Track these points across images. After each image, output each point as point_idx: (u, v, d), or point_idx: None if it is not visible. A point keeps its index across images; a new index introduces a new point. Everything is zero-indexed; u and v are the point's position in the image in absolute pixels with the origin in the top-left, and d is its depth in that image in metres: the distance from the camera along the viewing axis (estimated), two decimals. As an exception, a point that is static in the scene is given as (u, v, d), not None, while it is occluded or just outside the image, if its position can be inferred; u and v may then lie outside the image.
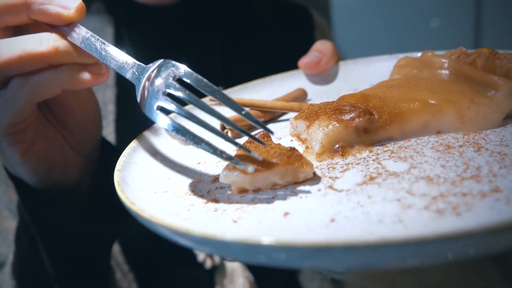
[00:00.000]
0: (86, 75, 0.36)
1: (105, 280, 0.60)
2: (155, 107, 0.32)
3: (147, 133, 0.42)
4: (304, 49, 0.90)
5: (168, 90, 0.32)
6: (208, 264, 0.69)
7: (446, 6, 2.07)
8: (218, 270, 0.70)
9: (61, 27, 0.36)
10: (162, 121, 0.32)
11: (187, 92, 0.32)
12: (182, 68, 0.33)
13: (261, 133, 0.36)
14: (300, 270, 0.80)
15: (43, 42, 0.35)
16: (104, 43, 0.35)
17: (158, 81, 0.33)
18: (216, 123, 0.31)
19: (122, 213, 0.56)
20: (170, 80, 0.33)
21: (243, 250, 0.20)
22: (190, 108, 0.46)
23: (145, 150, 0.39)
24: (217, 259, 0.69)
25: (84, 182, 0.50)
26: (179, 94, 0.32)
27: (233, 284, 0.71)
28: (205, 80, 0.32)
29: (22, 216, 0.50)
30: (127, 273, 0.70)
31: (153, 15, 0.74)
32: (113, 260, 0.68)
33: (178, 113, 0.32)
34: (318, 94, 0.54)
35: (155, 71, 0.34)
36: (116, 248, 0.69)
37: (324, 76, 0.57)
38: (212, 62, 0.79)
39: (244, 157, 0.31)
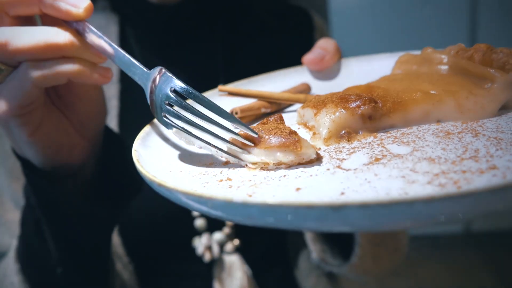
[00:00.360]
0: (93, 73, 0.40)
1: (107, 267, 0.62)
2: (163, 116, 0.36)
3: (156, 121, 0.44)
4: (304, 50, 0.93)
5: (169, 101, 0.36)
6: (207, 257, 0.71)
7: (441, 7, 2.12)
8: (216, 263, 0.72)
9: (73, 23, 0.39)
10: (172, 128, 0.36)
11: (184, 103, 0.35)
12: (176, 82, 0.36)
13: (275, 116, 0.38)
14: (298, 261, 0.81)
15: (60, 35, 0.37)
16: (112, 44, 0.39)
17: (160, 92, 0.36)
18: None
19: (125, 197, 0.57)
20: (169, 92, 0.36)
21: (264, 212, 0.22)
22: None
23: (158, 135, 0.41)
24: (216, 252, 0.71)
25: (88, 166, 0.52)
26: (179, 105, 0.35)
27: (231, 277, 0.72)
28: (196, 92, 0.35)
29: (27, 198, 0.51)
30: (127, 264, 0.71)
31: (158, 13, 0.76)
32: (114, 252, 0.70)
33: (183, 121, 0.35)
34: (322, 90, 0.56)
35: (156, 80, 0.37)
36: (116, 241, 0.71)
37: (327, 73, 0.59)
38: (214, 61, 0.81)
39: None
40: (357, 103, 0.37)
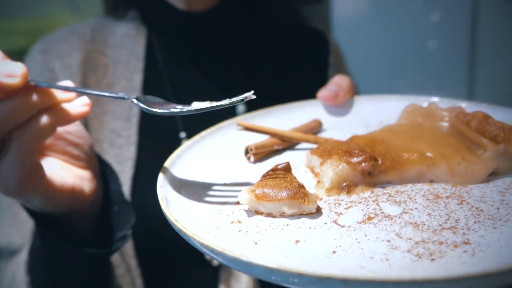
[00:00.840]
0: (71, 110, 0.43)
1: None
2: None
3: (176, 154, 0.48)
4: (318, 71, 0.96)
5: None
6: (215, 262, 0.76)
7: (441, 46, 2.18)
8: (223, 268, 0.76)
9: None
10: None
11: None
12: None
13: (284, 164, 0.42)
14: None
15: (21, 98, 0.40)
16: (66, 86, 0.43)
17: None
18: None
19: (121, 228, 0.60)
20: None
21: (265, 272, 0.27)
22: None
23: (178, 169, 0.46)
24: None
25: (97, 199, 0.56)
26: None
27: (237, 281, 0.77)
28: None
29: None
30: (135, 268, 0.75)
31: (185, 20, 0.82)
32: (124, 254, 0.74)
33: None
34: (333, 125, 0.60)
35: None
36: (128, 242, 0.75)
37: (340, 109, 0.63)
38: (233, 71, 0.86)
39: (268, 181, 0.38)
40: (359, 159, 0.41)
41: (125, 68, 0.82)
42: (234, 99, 0.40)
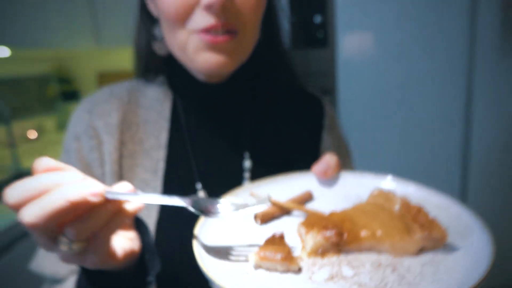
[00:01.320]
0: (132, 208, 0.58)
1: None
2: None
3: (202, 220, 0.67)
4: (314, 130, 1.14)
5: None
6: None
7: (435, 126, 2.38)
8: None
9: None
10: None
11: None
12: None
13: (279, 233, 0.62)
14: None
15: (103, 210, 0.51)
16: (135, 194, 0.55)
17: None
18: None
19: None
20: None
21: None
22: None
23: (206, 232, 0.65)
24: None
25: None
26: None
27: None
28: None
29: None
30: None
31: (204, 89, 1.00)
32: None
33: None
34: (321, 195, 0.80)
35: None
36: None
37: (328, 181, 0.83)
38: (242, 132, 1.04)
39: (268, 246, 0.58)
40: (331, 233, 0.60)
41: (154, 127, 0.98)
42: (257, 203, 0.62)
